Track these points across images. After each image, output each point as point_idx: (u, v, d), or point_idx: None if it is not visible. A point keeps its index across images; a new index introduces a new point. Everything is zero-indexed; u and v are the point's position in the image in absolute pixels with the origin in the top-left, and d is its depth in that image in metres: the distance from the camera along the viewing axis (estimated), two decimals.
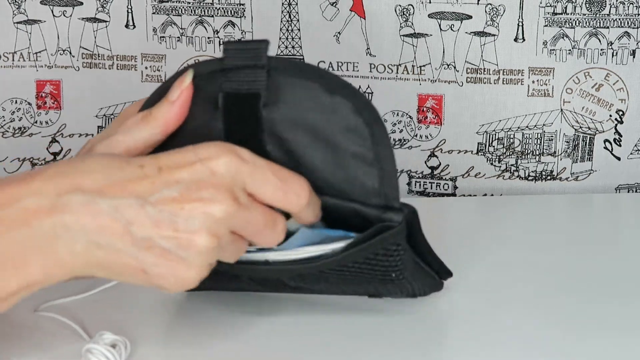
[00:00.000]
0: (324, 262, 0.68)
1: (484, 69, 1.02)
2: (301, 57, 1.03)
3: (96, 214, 0.61)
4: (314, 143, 0.68)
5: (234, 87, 0.68)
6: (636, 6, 1.00)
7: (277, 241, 0.65)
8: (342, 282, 0.72)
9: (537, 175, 1.04)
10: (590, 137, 1.04)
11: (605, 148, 1.04)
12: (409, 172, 1.06)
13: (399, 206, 0.69)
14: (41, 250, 0.61)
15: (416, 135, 1.05)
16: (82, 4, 1.03)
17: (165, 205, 0.61)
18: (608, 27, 1.01)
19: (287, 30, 1.03)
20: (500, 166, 1.05)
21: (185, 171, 0.62)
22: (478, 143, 1.04)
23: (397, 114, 1.04)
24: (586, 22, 1.01)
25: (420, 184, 1.06)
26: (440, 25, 1.02)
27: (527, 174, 1.05)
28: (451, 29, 1.02)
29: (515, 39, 1.02)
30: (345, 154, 0.68)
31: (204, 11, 1.03)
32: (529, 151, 1.04)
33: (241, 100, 0.67)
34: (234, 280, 0.73)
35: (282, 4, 1.02)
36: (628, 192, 1.05)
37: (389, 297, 0.75)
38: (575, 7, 1.01)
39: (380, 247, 0.68)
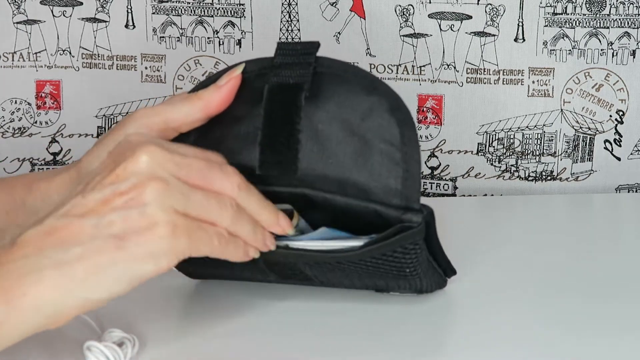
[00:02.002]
0: (343, 254, 0.70)
1: (484, 69, 1.02)
2: None
3: (49, 231, 0.61)
4: (347, 138, 0.70)
5: (280, 81, 0.72)
6: (636, 6, 1.00)
7: (238, 183, 0.66)
8: (356, 274, 0.73)
9: (537, 175, 1.04)
10: (590, 138, 1.04)
11: (606, 148, 1.04)
12: None
13: (418, 207, 0.70)
14: (4, 292, 0.60)
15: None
16: (81, 4, 1.03)
17: (102, 185, 0.62)
18: (608, 27, 1.01)
19: (287, 30, 1.03)
20: (500, 166, 1.05)
21: (110, 160, 0.64)
22: (478, 143, 1.04)
23: None
24: (586, 22, 1.01)
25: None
26: (440, 26, 1.02)
27: (527, 175, 1.04)
28: (451, 29, 1.02)
29: (515, 39, 1.02)
30: (374, 151, 0.70)
31: (204, 11, 1.03)
32: (529, 151, 1.04)
33: (285, 90, 0.71)
34: (247, 266, 0.74)
35: (282, 4, 1.02)
36: (628, 192, 1.05)
37: (397, 292, 0.76)
38: (575, 7, 1.01)
39: (398, 246, 0.70)
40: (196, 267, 0.76)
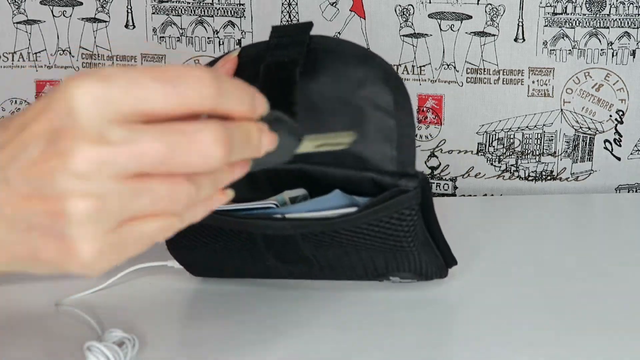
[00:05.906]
0: (339, 220, 0.70)
1: (484, 69, 1.02)
2: None
3: None
4: (342, 108, 0.72)
5: (275, 59, 0.73)
6: (636, 6, 1.00)
7: (220, 156, 0.49)
8: (354, 249, 0.73)
9: (537, 175, 1.04)
10: (590, 137, 1.04)
11: (606, 148, 1.04)
12: None
13: (414, 172, 0.71)
14: None
15: (416, 136, 1.05)
16: (81, 4, 1.03)
17: (27, 171, 0.49)
18: (608, 27, 1.01)
19: None
20: (500, 166, 1.05)
21: (40, 121, 0.49)
22: (478, 143, 1.04)
23: None
24: (586, 22, 1.01)
25: None
26: (440, 26, 1.02)
27: (527, 174, 1.04)
28: (451, 29, 1.02)
29: (515, 39, 1.02)
30: (368, 119, 0.71)
31: (204, 11, 1.03)
32: (529, 151, 1.04)
33: (280, 66, 0.72)
34: (245, 247, 0.73)
35: (282, 4, 1.02)
36: (628, 192, 1.05)
37: (397, 276, 0.76)
38: (575, 7, 1.01)
39: (394, 211, 0.70)
40: (195, 260, 0.77)
